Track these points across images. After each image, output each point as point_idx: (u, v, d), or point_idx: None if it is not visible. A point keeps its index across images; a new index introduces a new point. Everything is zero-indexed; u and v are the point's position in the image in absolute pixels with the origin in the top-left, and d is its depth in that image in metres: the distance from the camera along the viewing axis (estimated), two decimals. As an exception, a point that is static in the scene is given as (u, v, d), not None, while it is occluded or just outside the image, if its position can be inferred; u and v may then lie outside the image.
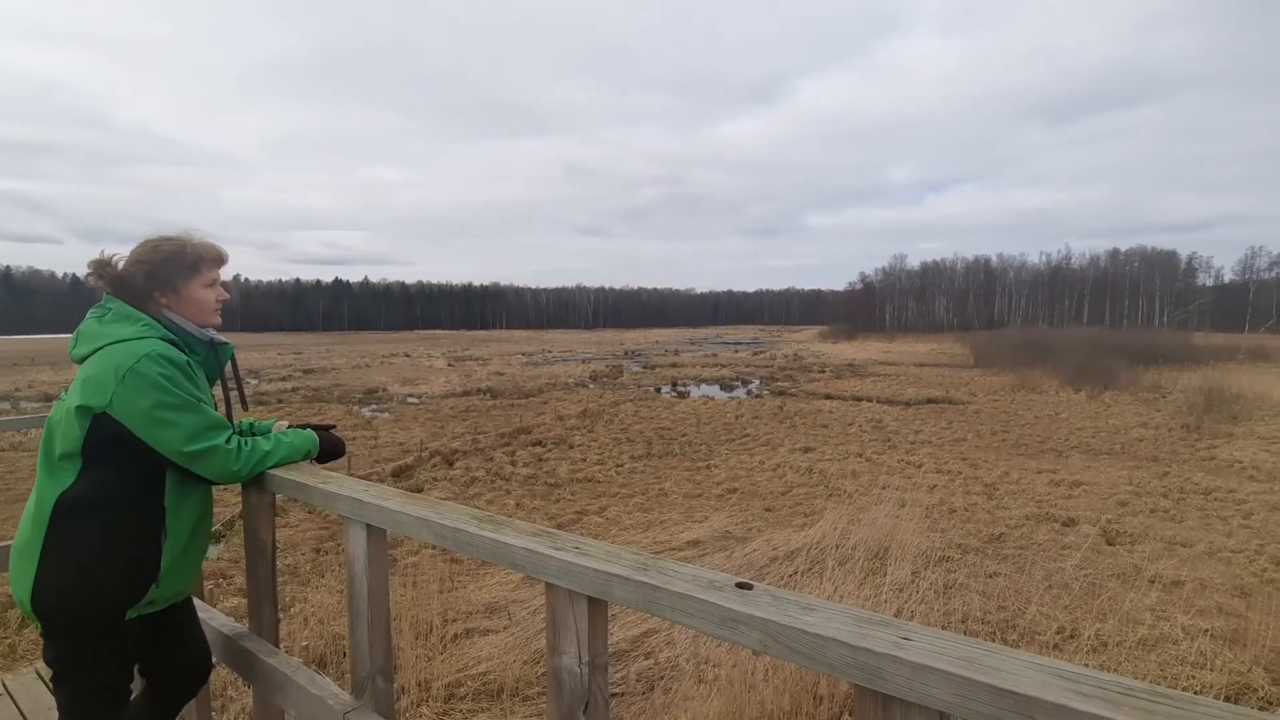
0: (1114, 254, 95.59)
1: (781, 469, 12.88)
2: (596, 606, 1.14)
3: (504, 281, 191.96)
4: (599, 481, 12.28)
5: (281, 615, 3.26)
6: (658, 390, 28.10)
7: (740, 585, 0.99)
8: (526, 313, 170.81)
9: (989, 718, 0.74)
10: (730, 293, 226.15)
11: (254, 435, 1.88)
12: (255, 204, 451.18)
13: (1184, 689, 2.69)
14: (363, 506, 1.54)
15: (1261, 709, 3.59)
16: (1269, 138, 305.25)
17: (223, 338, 1.86)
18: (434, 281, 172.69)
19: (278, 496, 1.87)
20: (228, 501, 8.32)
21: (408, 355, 50.54)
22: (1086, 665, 0.89)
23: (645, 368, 40.04)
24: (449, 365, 40.14)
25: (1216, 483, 11.58)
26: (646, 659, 4.61)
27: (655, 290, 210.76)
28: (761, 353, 54.43)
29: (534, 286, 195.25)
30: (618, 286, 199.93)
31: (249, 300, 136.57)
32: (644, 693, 4.25)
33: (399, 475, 12.68)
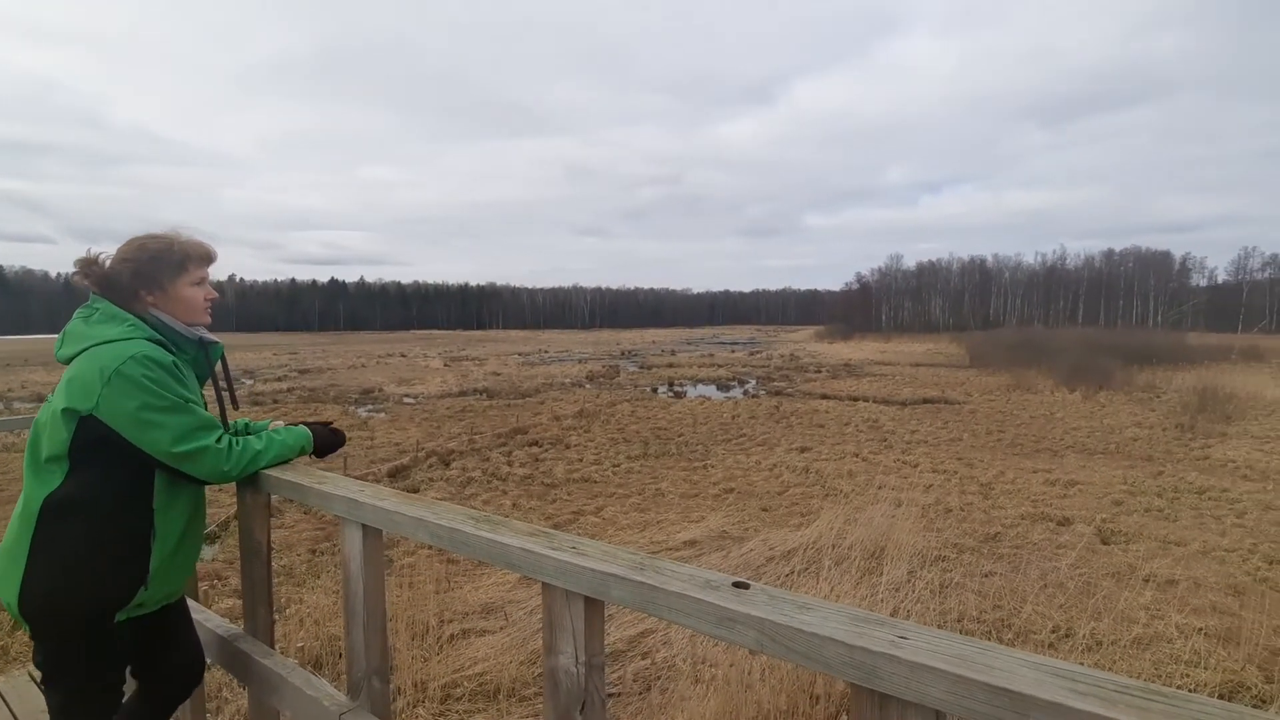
0: (1109, 254, 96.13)
1: (778, 469, 12.89)
2: (593, 606, 1.14)
3: (501, 281, 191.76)
4: (595, 482, 12.28)
5: (277, 616, 3.24)
6: (654, 390, 28.10)
7: (737, 585, 0.99)
8: (523, 313, 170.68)
9: (985, 716, 0.74)
10: (727, 293, 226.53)
11: (249, 435, 1.87)
12: (254, 204, 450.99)
13: (1179, 687, 2.69)
14: (358, 507, 1.54)
15: (1255, 706, 3.61)
16: (1263, 139, 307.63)
17: (213, 337, 1.84)
18: (431, 281, 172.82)
19: (273, 497, 1.86)
20: (222, 502, 8.30)
21: (404, 355, 50.44)
22: (1082, 663, 0.89)
23: (642, 368, 40.05)
24: (445, 365, 40.10)
25: (1210, 482, 11.64)
26: (643, 659, 4.60)
27: (652, 290, 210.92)
28: (758, 353, 54.48)
29: (530, 286, 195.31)
30: (615, 287, 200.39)
31: (244, 300, 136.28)
32: (641, 693, 4.24)
33: (395, 476, 12.66)
